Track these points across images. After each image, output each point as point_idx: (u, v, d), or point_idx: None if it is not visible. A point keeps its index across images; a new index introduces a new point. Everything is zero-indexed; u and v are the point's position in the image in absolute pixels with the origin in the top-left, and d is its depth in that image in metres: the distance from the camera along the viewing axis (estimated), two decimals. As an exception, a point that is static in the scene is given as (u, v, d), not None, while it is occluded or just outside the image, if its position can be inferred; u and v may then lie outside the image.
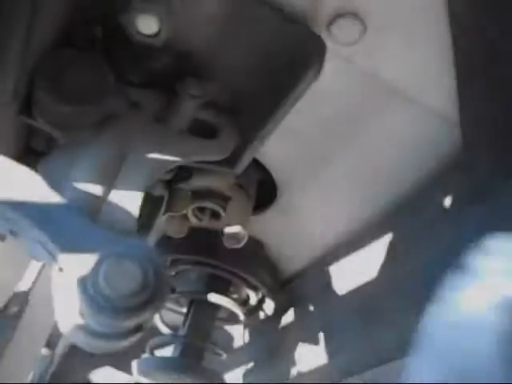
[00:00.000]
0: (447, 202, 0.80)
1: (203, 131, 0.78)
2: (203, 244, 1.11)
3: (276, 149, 0.86)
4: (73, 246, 0.50)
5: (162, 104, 0.75)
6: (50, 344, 0.97)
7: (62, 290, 0.52)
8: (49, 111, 0.64)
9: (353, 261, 1.00)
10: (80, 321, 0.50)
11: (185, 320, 1.21)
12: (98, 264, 0.47)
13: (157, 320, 1.24)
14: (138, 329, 0.52)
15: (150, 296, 0.48)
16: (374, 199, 0.91)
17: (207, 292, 1.16)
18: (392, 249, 0.88)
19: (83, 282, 0.47)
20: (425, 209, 0.83)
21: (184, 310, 1.26)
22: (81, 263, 0.48)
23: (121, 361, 1.85)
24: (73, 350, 1.80)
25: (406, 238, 0.86)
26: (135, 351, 1.08)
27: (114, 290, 0.46)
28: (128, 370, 1.90)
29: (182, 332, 1.18)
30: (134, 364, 1.10)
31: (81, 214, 0.54)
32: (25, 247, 0.57)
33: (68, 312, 0.51)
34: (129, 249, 0.49)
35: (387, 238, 0.90)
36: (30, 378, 0.96)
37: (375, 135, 0.80)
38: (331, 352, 0.99)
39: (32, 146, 0.83)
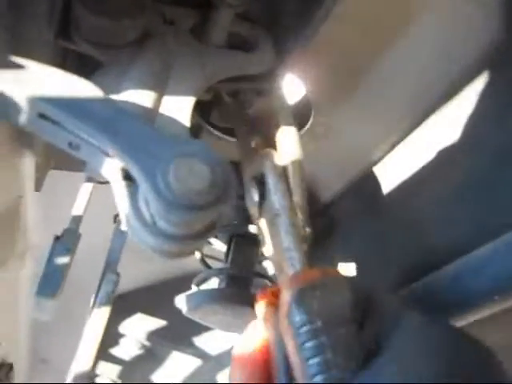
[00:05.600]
0: (491, 99, 0.78)
1: (240, 48, 0.76)
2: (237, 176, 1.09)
3: (312, 63, 0.84)
4: (139, 150, 0.50)
5: (196, 21, 0.74)
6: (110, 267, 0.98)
7: (130, 197, 0.52)
8: (88, 29, 0.63)
9: (395, 175, 0.98)
10: (151, 224, 0.50)
11: (226, 256, 1.21)
12: (168, 163, 0.47)
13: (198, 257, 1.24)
14: (207, 230, 0.52)
15: (219, 194, 0.48)
16: (412, 107, 0.89)
17: (247, 224, 1.15)
18: (437, 156, 0.87)
19: (155, 183, 0.47)
20: (467, 111, 0.81)
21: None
22: (149, 167, 0.48)
23: (152, 308, 1.89)
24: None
25: (449, 144, 0.84)
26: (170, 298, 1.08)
27: (185, 188, 0.47)
28: (160, 317, 1.93)
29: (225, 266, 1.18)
30: (182, 298, 1.09)
31: (144, 121, 0.53)
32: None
33: (137, 218, 0.51)
34: (196, 150, 0.49)
35: (429, 147, 0.88)
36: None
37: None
38: (382, 266, 0.99)
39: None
